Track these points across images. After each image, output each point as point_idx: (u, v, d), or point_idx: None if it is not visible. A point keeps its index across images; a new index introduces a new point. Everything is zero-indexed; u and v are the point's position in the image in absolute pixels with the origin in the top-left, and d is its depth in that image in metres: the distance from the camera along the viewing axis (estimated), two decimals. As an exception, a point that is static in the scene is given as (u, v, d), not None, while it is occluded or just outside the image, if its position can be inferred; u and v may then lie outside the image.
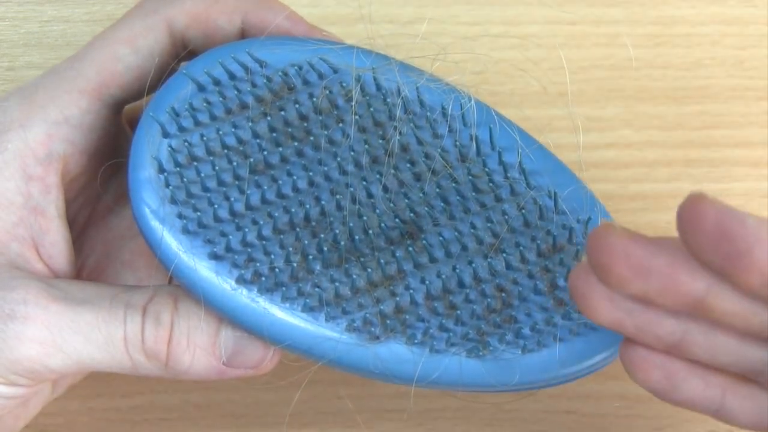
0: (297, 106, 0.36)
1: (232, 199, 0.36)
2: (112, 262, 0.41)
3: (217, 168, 0.36)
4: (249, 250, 0.36)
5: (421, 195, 0.36)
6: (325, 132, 0.36)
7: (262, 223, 0.36)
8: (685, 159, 0.46)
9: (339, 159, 0.36)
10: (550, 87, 0.46)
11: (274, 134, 0.36)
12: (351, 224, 0.36)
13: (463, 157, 0.36)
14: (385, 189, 0.36)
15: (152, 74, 0.38)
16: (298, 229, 0.36)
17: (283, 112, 0.36)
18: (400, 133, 0.36)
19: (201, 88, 0.36)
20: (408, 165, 0.36)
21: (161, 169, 0.36)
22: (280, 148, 0.36)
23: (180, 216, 0.36)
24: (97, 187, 0.40)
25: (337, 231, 0.36)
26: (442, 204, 0.36)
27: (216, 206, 0.36)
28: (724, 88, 0.47)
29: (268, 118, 0.36)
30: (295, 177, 0.36)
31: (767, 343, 0.31)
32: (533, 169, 0.37)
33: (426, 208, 0.36)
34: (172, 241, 0.36)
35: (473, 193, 0.36)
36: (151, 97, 0.37)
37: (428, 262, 0.36)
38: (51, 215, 0.37)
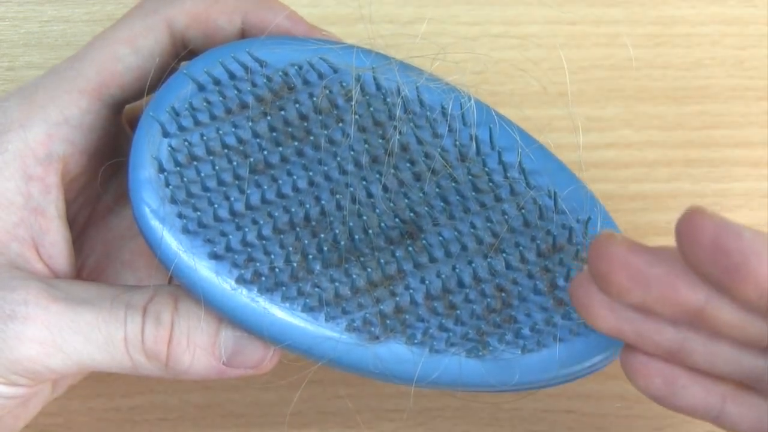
0: (297, 105, 0.36)
1: (232, 198, 0.36)
2: (112, 262, 0.41)
3: (217, 167, 0.36)
4: (249, 249, 0.36)
5: (420, 195, 0.36)
6: (325, 131, 0.36)
7: (262, 222, 0.36)
8: (685, 159, 0.46)
9: (339, 158, 0.36)
10: (550, 87, 0.46)
11: (274, 134, 0.36)
12: (351, 224, 0.36)
13: (463, 157, 0.36)
14: (385, 189, 0.36)
15: (152, 74, 0.38)
16: (298, 229, 0.36)
17: (283, 112, 0.36)
18: (399, 132, 0.36)
19: (201, 88, 0.36)
20: (408, 165, 0.36)
21: (161, 169, 0.36)
22: (280, 148, 0.36)
23: (180, 216, 0.36)
24: (97, 187, 0.40)
25: (337, 231, 0.36)
26: (441, 204, 0.36)
27: (216, 206, 0.36)
28: (724, 88, 0.47)
29: (268, 117, 0.36)
30: (295, 177, 0.36)
31: (766, 352, 0.32)
32: (533, 168, 0.37)
33: (426, 208, 0.36)
34: (172, 241, 0.36)
35: (473, 193, 0.36)
36: (151, 97, 0.37)
37: (428, 261, 0.36)
38: (51, 215, 0.37)
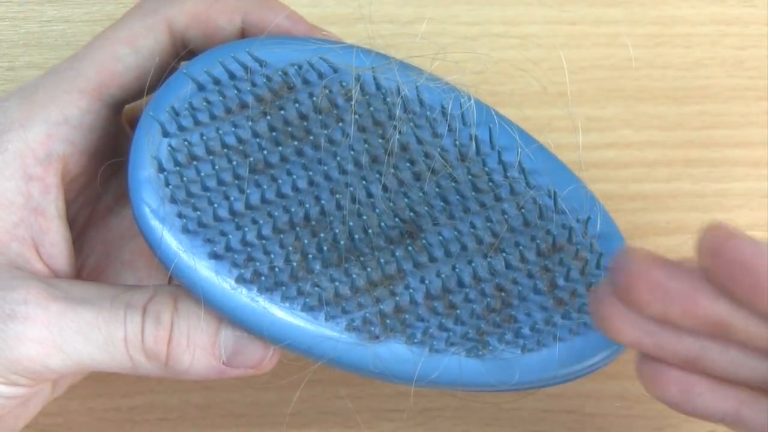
0: (297, 105, 0.36)
1: (232, 198, 0.36)
2: (112, 262, 0.41)
3: (216, 167, 0.36)
4: (249, 249, 0.36)
5: (420, 194, 0.36)
6: (325, 131, 0.36)
7: (261, 222, 0.36)
8: (685, 159, 0.46)
9: (339, 158, 0.36)
10: (550, 87, 0.46)
11: (274, 133, 0.36)
12: (351, 223, 0.36)
13: (463, 157, 0.36)
14: (385, 188, 0.36)
15: (152, 74, 0.38)
16: (297, 229, 0.36)
17: (282, 112, 0.36)
18: (399, 132, 0.36)
19: (201, 88, 0.36)
20: (408, 164, 0.36)
21: (161, 169, 0.36)
22: (280, 148, 0.36)
23: (180, 215, 0.36)
24: (97, 187, 0.40)
25: (337, 230, 0.36)
26: (441, 203, 0.36)
27: (216, 205, 0.36)
28: (724, 88, 0.47)
29: (268, 117, 0.36)
30: (294, 176, 0.36)
31: None
32: (533, 168, 0.37)
33: (426, 208, 0.36)
34: (171, 241, 0.36)
35: (473, 193, 0.36)
36: (150, 96, 0.37)
37: (428, 261, 0.36)
38: (51, 215, 0.37)
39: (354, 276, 0.36)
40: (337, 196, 0.36)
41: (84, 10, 0.47)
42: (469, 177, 0.36)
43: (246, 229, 0.36)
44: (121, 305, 0.36)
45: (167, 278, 0.38)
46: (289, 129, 0.36)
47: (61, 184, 0.37)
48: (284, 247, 0.36)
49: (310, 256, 0.36)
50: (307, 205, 0.36)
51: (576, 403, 0.44)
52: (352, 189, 0.36)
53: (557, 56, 0.46)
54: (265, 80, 0.36)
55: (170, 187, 0.36)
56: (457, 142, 0.36)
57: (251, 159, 0.36)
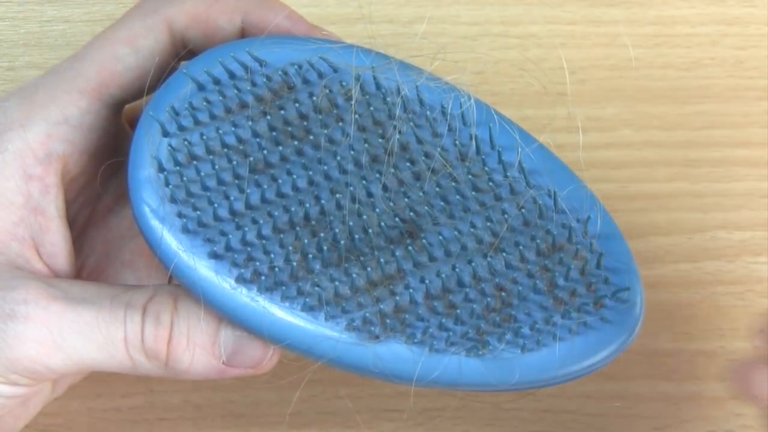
0: (297, 105, 0.36)
1: (232, 198, 0.36)
2: (112, 262, 0.41)
3: (216, 167, 0.36)
4: (249, 249, 0.36)
5: (420, 194, 0.36)
6: (325, 131, 0.36)
7: (261, 222, 0.36)
8: (685, 159, 0.46)
9: (339, 158, 0.36)
10: (550, 87, 0.46)
11: (274, 133, 0.36)
12: (351, 223, 0.36)
13: (463, 156, 0.36)
14: (385, 188, 0.36)
15: (152, 74, 0.38)
16: (297, 228, 0.36)
17: (282, 111, 0.36)
18: (399, 132, 0.36)
19: (201, 88, 0.36)
20: (408, 164, 0.36)
21: (161, 168, 0.36)
22: (280, 147, 0.36)
23: (180, 215, 0.36)
24: (97, 187, 0.40)
25: (337, 230, 0.36)
26: (441, 203, 0.36)
27: (216, 205, 0.36)
28: (724, 88, 0.47)
29: (268, 117, 0.36)
30: (294, 176, 0.36)
31: None
32: (533, 168, 0.37)
33: (426, 207, 0.36)
34: (171, 241, 0.36)
35: (473, 192, 0.36)
36: (150, 96, 0.37)
37: (428, 261, 0.36)
38: (51, 215, 0.37)
39: (354, 276, 0.36)
40: (337, 195, 0.36)
41: (84, 10, 0.47)
42: (469, 177, 0.36)
43: (246, 228, 0.36)
44: (121, 305, 0.36)
45: (167, 278, 0.38)
46: (289, 129, 0.36)
47: (61, 183, 0.37)
48: (284, 247, 0.36)
49: (310, 255, 0.36)
50: (307, 205, 0.36)
51: (576, 403, 0.44)
52: (352, 189, 0.36)
53: (557, 56, 0.46)
54: (265, 80, 0.36)
55: (170, 186, 0.36)
56: (457, 142, 0.36)
57: (251, 159, 0.36)
